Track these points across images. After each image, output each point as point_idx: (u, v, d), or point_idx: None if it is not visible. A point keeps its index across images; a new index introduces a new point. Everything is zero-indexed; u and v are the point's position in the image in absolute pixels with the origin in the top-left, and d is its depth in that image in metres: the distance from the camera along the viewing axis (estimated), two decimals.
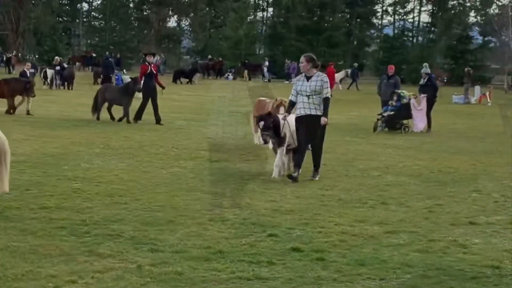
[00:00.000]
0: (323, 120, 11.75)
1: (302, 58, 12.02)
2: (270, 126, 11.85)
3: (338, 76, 51.79)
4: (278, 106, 14.84)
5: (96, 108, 20.94)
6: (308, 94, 11.73)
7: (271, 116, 12.07)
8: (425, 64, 24.51)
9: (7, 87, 21.87)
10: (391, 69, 22.63)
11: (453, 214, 9.47)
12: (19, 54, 69.58)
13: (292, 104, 12.08)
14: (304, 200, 10.11)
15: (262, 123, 11.93)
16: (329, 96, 11.84)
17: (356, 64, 58.22)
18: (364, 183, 11.77)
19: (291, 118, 12.06)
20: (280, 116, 12.14)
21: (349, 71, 54.29)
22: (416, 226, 8.67)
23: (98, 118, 20.70)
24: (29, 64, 32.90)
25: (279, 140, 11.96)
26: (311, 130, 11.77)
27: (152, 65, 21.02)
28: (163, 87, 21.09)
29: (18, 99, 22.16)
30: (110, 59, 43.60)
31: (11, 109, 21.73)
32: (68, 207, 9.00)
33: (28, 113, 21.57)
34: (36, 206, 8.97)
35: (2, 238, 7.38)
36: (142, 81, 20.49)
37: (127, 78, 33.13)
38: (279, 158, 11.97)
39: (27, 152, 13.78)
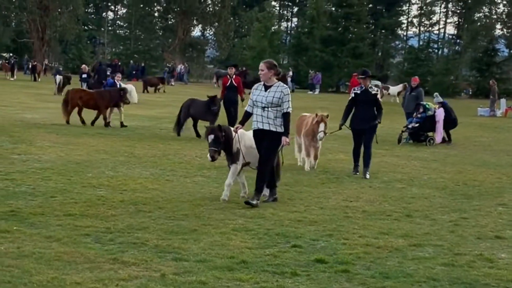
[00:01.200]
0: (284, 140, 10.18)
1: (261, 65, 10.34)
2: (220, 141, 10.41)
3: (396, 88, 51.59)
4: (317, 122, 13.91)
5: (178, 124, 20.00)
6: (263, 105, 10.17)
7: (221, 129, 10.52)
8: (436, 93, 23.99)
9: (101, 99, 21.56)
10: (414, 81, 22.43)
11: (479, 227, 9.38)
12: (47, 62, 70.24)
13: (246, 115, 10.56)
14: (328, 211, 10.06)
15: (211, 137, 10.43)
16: (289, 111, 10.18)
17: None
18: (388, 195, 11.70)
19: (244, 132, 10.79)
20: (232, 129, 10.72)
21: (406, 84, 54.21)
22: (442, 239, 8.59)
23: (178, 134, 19.75)
24: (119, 75, 28.66)
25: (231, 156, 10.63)
26: (262, 146, 10.34)
27: (234, 77, 20.30)
28: (242, 99, 20.39)
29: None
30: (104, 66, 43.70)
31: (106, 121, 21.42)
32: (93, 214, 9.04)
33: (122, 124, 21.31)
34: (61, 213, 9.02)
35: (27, 244, 7.43)
36: (223, 95, 20.08)
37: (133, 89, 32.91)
38: (231, 177, 10.58)
39: (52, 159, 13.89)
